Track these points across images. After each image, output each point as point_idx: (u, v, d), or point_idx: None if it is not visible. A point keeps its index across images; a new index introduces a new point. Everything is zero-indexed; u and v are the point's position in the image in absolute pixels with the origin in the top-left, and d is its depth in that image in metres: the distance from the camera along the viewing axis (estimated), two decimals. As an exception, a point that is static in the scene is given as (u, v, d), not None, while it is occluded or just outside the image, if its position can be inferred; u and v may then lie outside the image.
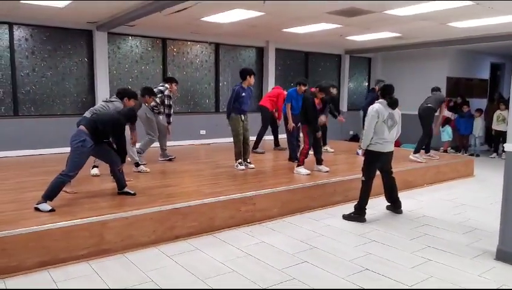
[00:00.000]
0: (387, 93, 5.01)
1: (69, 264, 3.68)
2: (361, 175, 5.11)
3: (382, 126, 4.89)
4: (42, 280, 3.43)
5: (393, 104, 4.94)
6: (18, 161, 7.28)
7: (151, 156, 7.05)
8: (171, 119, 6.78)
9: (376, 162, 5.07)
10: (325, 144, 8.28)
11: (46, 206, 4.08)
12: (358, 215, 5.05)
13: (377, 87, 7.78)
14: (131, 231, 4.05)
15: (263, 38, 10.52)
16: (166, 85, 6.81)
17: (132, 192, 4.75)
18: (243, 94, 6.20)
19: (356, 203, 5.11)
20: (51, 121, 8.16)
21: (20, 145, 7.81)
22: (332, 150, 8.31)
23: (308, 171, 6.01)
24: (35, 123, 8.02)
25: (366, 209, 5.07)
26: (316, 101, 6.27)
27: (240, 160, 6.36)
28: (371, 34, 9.46)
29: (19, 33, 7.87)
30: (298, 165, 6.11)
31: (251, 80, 6.28)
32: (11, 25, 7.74)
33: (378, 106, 4.94)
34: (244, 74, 6.28)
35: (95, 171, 5.75)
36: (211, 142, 9.80)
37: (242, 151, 6.38)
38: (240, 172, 6.21)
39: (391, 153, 5.13)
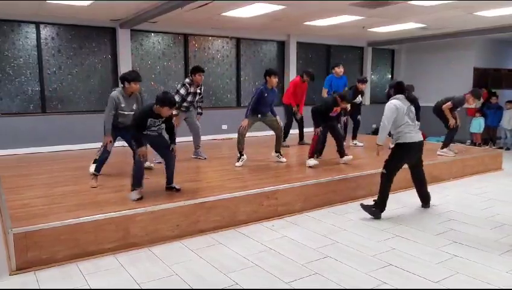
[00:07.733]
0: (404, 90, 4.94)
1: (97, 257, 3.79)
2: (382, 167, 4.95)
3: (404, 118, 4.79)
4: (71, 272, 3.54)
5: (412, 100, 4.88)
6: (47, 157, 7.48)
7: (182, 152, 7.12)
8: (186, 114, 6.58)
9: (406, 156, 4.92)
10: (354, 137, 8.27)
11: (133, 195, 4.37)
12: (376, 209, 4.90)
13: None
14: (156, 225, 4.13)
15: (284, 31, 10.46)
16: (187, 80, 6.56)
17: (177, 187, 4.79)
18: (265, 95, 6.14)
19: (377, 197, 4.96)
20: (77, 117, 8.36)
21: (48, 142, 8.03)
22: (361, 144, 8.20)
23: (315, 162, 6.11)
24: (62, 120, 8.23)
25: (386, 204, 4.93)
26: (336, 109, 6.14)
27: (239, 156, 6.32)
28: (394, 25, 9.27)
29: (45, 32, 8.08)
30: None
31: (272, 80, 6.13)
32: (37, 25, 7.95)
33: (396, 101, 4.81)
34: (264, 75, 6.21)
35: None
36: (232, 136, 9.84)
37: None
38: (261, 166, 6.23)
39: (422, 143, 4.95)
